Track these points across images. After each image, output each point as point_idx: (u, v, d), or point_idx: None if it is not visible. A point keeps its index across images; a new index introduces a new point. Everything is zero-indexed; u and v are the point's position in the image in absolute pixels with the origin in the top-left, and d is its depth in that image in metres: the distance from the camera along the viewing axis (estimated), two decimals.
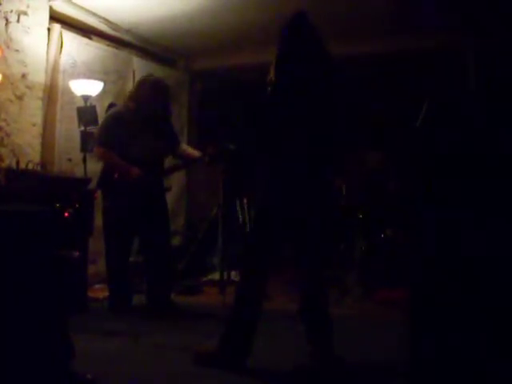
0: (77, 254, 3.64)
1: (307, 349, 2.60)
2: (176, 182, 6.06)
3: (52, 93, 4.65)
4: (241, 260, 2.75)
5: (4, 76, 4.01)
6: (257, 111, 2.75)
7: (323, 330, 2.60)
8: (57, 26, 4.66)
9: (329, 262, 2.79)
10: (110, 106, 4.98)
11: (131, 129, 3.84)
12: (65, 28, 4.78)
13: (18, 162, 3.92)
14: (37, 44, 4.41)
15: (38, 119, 4.45)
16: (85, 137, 4.53)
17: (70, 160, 4.80)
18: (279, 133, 2.62)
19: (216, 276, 4.91)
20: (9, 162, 4.02)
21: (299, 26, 2.67)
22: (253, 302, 2.64)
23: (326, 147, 2.66)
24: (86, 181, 4.11)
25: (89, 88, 4.40)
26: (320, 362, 2.55)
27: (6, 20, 4.16)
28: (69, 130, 4.82)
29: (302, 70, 2.60)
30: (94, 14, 5.05)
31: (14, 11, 4.21)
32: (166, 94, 3.98)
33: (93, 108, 4.62)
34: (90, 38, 5.15)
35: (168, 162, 4.28)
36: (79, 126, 4.73)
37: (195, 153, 4.05)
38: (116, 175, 3.82)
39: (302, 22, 2.67)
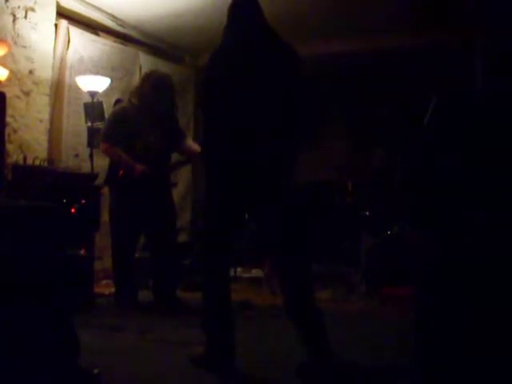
0: (83, 251, 3.65)
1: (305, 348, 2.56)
2: (182, 179, 6.07)
3: (59, 89, 4.67)
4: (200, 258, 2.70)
5: (11, 72, 4.01)
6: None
7: (314, 327, 2.46)
8: (64, 22, 4.67)
9: (303, 250, 2.59)
10: (117, 101, 4.98)
11: (135, 125, 3.83)
12: (72, 24, 4.78)
13: (25, 158, 3.94)
14: (44, 40, 4.41)
15: (45, 115, 4.46)
16: (92, 132, 4.54)
17: (76, 156, 4.81)
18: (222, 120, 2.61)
19: None
20: (16, 157, 4.04)
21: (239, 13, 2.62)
22: (220, 297, 2.64)
23: (277, 134, 2.56)
24: (92, 176, 4.12)
25: (96, 84, 4.41)
26: (319, 361, 2.45)
27: (14, 16, 4.17)
28: (76, 126, 4.84)
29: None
30: (101, 10, 5.05)
31: (21, 7, 4.22)
32: (169, 89, 3.93)
33: (100, 104, 4.64)
34: (96, 34, 5.16)
35: (174, 157, 4.27)
36: (86, 122, 4.75)
37: (199, 148, 4.03)
38: (121, 172, 3.83)
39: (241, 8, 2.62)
